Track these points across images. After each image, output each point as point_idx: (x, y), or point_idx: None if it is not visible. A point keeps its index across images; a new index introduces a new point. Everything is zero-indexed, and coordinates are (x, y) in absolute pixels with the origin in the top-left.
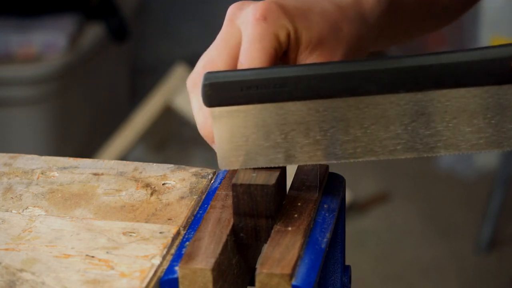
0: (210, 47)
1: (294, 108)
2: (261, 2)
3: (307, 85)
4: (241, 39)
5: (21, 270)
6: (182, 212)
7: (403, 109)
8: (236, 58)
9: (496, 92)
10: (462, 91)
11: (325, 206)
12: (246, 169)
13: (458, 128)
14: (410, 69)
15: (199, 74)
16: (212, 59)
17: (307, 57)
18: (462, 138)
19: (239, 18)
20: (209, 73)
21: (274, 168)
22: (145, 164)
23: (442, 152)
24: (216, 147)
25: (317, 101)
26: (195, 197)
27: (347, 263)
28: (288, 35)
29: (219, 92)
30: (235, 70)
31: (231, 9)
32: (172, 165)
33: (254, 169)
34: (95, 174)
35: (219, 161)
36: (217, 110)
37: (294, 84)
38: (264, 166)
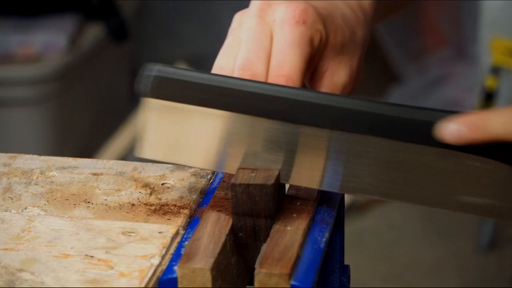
0: (234, 40)
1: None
2: (295, 2)
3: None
4: (272, 38)
5: (20, 270)
6: (181, 212)
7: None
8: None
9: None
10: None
11: (324, 205)
12: (245, 168)
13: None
14: (346, 111)
15: (236, 76)
16: (251, 61)
17: (330, 62)
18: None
19: (270, 15)
20: (155, 65)
21: (273, 168)
22: (144, 164)
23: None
24: (142, 135)
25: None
26: (194, 197)
27: (346, 263)
28: (320, 40)
29: (167, 87)
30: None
31: (259, 4)
32: (171, 165)
33: (253, 169)
34: (94, 174)
35: (138, 149)
36: (158, 102)
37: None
38: (182, 164)
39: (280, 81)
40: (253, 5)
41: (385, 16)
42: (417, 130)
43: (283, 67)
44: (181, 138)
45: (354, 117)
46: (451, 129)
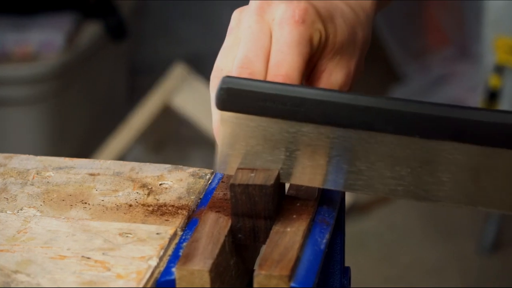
0: (233, 40)
1: (306, 130)
2: (295, 1)
3: (324, 110)
4: (271, 37)
5: (16, 272)
6: (179, 213)
7: (412, 153)
8: (269, 58)
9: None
10: (470, 147)
11: (325, 206)
12: (244, 169)
13: (459, 181)
14: (430, 117)
15: (234, 74)
16: (250, 60)
17: (328, 62)
18: (462, 192)
19: (269, 14)
20: (228, 77)
21: (273, 168)
22: (142, 164)
23: (441, 201)
24: (218, 149)
25: (330, 127)
26: (192, 197)
27: (347, 264)
28: (320, 40)
29: (234, 98)
30: (255, 80)
31: (258, 3)
32: (169, 165)
33: (252, 169)
34: (91, 175)
35: (217, 164)
36: (227, 114)
37: (311, 107)
38: None
39: (279, 80)
40: (252, 3)
41: (384, 7)
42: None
43: (281, 67)
44: (255, 152)
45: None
46: None
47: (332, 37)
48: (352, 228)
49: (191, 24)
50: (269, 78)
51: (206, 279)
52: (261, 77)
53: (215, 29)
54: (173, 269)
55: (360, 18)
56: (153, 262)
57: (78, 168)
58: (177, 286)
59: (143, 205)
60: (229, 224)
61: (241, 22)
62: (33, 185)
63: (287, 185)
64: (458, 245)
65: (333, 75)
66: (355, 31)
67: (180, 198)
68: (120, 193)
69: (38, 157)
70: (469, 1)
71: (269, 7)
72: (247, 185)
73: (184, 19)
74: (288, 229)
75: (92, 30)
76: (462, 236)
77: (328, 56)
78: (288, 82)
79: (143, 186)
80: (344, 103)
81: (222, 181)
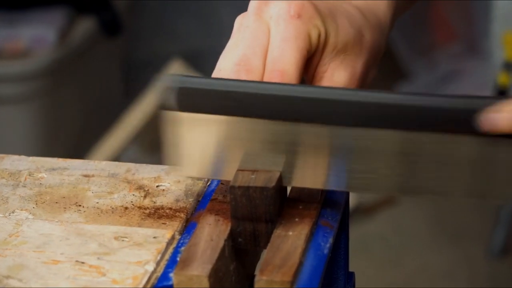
0: (234, 42)
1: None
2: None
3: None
4: (269, 34)
5: (8, 277)
6: (177, 216)
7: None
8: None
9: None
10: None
11: (328, 209)
12: (244, 170)
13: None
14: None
15: (232, 72)
16: (247, 57)
17: (330, 61)
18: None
19: (266, 12)
20: (179, 75)
21: (274, 169)
22: (138, 165)
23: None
24: (176, 153)
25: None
26: (190, 200)
27: (351, 269)
28: (319, 36)
29: (192, 98)
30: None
31: (256, 4)
32: (166, 166)
33: (253, 170)
34: (85, 176)
35: (176, 169)
36: (186, 115)
37: (267, 102)
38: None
39: (275, 76)
40: (250, 5)
41: (401, 14)
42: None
43: (278, 62)
44: (216, 152)
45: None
46: (496, 118)
47: (333, 35)
48: (356, 232)
49: (189, 20)
50: (266, 75)
51: (205, 285)
52: (258, 74)
53: (213, 25)
54: (171, 275)
55: (370, 21)
56: (150, 267)
57: (72, 169)
58: None
59: (140, 207)
60: (229, 227)
61: (242, 25)
62: (25, 187)
63: (289, 187)
64: (467, 249)
65: (336, 75)
66: (361, 33)
67: (177, 200)
68: (116, 195)
69: (31, 158)
70: None
71: (266, 6)
72: (248, 187)
73: (182, 14)
74: (290, 233)
75: (85, 26)
76: (470, 240)
77: (330, 56)
78: (285, 77)
79: (140, 188)
80: (302, 97)
81: (222, 183)
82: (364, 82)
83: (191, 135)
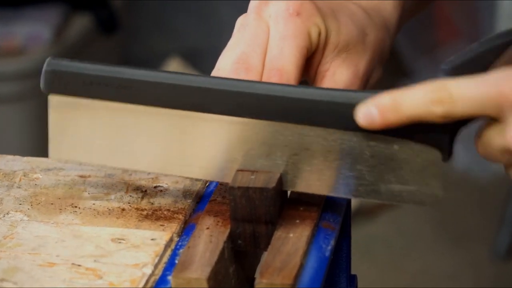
0: (235, 42)
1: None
2: None
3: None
4: (269, 33)
5: (2, 280)
6: (175, 217)
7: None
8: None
9: (340, 137)
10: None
11: (329, 210)
12: (244, 170)
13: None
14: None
15: (231, 71)
16: (246, 55)
17: (332, 60)
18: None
19: (266, 11)
20: (53, 59)
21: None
22: None
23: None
24: (49, 136)
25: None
26: (189, 201)
27: (353, 272)
28: (319, 35)
29: (64, 81)
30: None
31: (255, 3)
32: None
33: (253, 171)
34: (81, 176)
35: (50, 151)
36: (57, 98)
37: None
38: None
39: (274, 75)
40: (251, 4)
41: (410, 18)
42: (335, 113)
43: (276, 61)
44: (89, 137)
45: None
46: (364, 113)
47: (334, 34)
48: (358, 234)
49: (188, 17)
50: (264, 73)
51: None
52: (257, 72)
53: (213, 22)
54: (169, 277)
55: (374, 21)
56: (148, 270)
57: (68, 169)
58: None
59: (137, 209)
60: (228, 229)
61: (242, 25)
62: (20, 187)
63: None
64: (471, 251)
65: (337, 74)
66: (364, 32)
67: (176, 201)
68: (113, 196)
69: (25, 158)
70: None
71: (266, 6)
72: (247, 188)
73: (180, 11)
74: (291, 235)
75: (81, 23)
76: (474, 242)
77: (331, 54)
78: (283, 76)
79: (137, 188)
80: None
81: (221, 184)
82: (368, 82)
83: (64, 119)
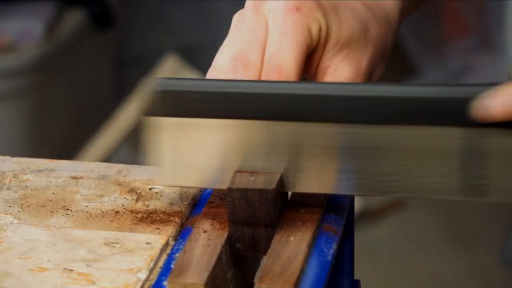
0: (232, 38)
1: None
2: None
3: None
4: (267, 29)
5: None
6: (171, 220)
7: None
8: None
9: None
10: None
11: (332, 213)
12: (243, 171)
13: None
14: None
15: (228, 68)
16: (244, 51)
17: (333, 56)
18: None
19: (264, 7)
20: (159, 78)
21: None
22: (130, 166)
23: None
24: (158, 161)
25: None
26: (185, 203)
27: (356, 277)
28: (320, 30)
29: (177, 101)
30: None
31: None
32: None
33: (252, 172)
34: (73, 178)
35: (159, 177)
36: (169, 120)
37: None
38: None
39: (273, 71)
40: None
41: (413, 11)
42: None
43: (275, 57)
44: (194, 158)
45: (368, 106)
46: (488, 106)
47: (335, 29)
48: (361, 237)
49: (185, 13)
50: (263, 70)
51: None
52: (256, 69)
53: (211, 18)
54: (165, 283)
55: (376, 15)
56: (143, 275)
57: (60, 170)
58: None
59: (131, 211)
60: (226, 232)
61: (239, 21)
62: (9, 189)
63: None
64: (479, 255)
65: (339, 71)
66: (366, 27)
67: (172, 204)
68: (106, 199)
69: (15, 159)
70: None
71: (264, 1)
72: (246, 190)
73: (177, 7)
74: (291, 238)
75: (74, 19)
76: (483, 246)
77: (332, 51)
78: (283, 73)
79: (131, 190)
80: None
81: None
82: (370, 78)
83: (177, 142)
